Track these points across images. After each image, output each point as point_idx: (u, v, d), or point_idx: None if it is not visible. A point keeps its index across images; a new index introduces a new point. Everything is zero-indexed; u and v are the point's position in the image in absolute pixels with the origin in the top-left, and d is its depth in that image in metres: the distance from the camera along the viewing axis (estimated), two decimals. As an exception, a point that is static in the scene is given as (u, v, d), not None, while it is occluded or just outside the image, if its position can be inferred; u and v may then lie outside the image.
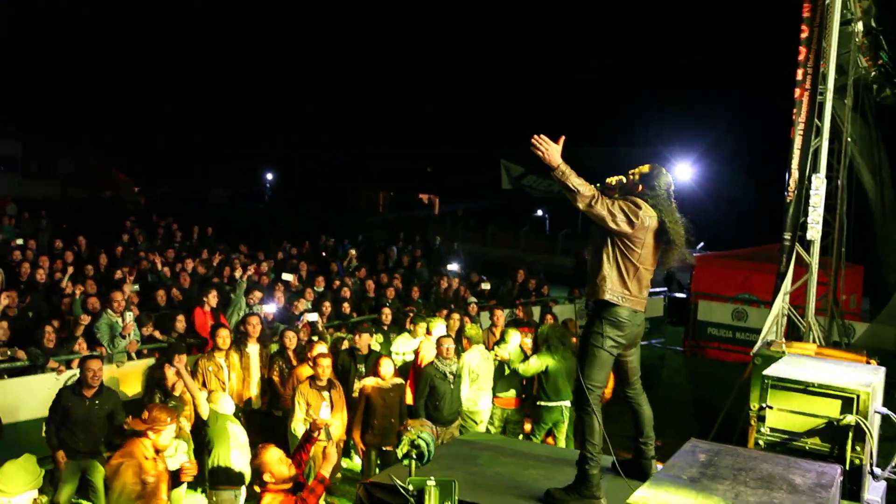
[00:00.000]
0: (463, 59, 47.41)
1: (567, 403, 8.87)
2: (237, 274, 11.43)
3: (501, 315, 10.42)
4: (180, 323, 9.75)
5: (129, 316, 9.34)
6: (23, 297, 10.11)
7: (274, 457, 5.07)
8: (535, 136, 4.58)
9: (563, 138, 4.65)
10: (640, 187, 4.96)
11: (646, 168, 5.02)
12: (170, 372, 7.68)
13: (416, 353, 9.31)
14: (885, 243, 10.80)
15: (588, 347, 4.94)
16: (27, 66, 45.96)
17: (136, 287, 11.26)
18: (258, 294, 10.88)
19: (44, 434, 7.34)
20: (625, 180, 5.10)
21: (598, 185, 5.00)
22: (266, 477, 5.01)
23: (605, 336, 4.87)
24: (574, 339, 9.38)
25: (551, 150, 4.57)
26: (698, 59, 36.66)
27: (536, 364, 8.75)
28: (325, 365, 7.85)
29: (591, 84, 41.37)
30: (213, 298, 10.53)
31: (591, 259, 5.01)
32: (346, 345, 9.55)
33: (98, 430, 7.26)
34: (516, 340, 9.16)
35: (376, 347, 9.70)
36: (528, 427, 9.20)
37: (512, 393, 9.12)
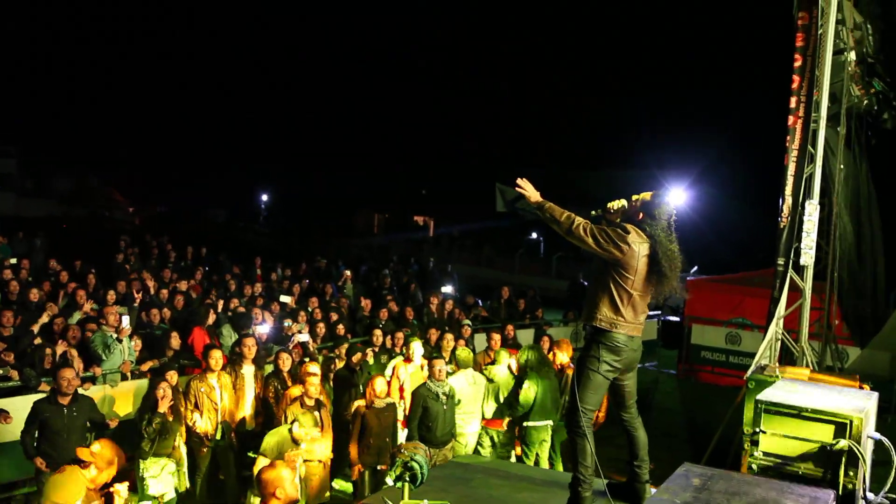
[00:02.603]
0: (459, 80, 47.73)
1: (551, 423, 8.89)
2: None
3: (498, 337, 10.41)
4: (175, 340, 9.75)
5: (126, 320, 9.39)
6: (16, 317, 10.08)
7: (287, 476, 5.00)
8: (518, 180, 5.03)
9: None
10: (641, 215, 5.00)
11: (648, 195, 5.05)
12: (159, 391, 7.65)
13: (393, 371, 9.39)
14: (856, 274, 10.85)
15: (584, 371, 4.97)
16: (23, 85, 46.07)
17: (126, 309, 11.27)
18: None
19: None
20: (627, 206, 5.15)
21: (600, 210, 5.12)
22: (278, 493, 4.92)
23: (602, 360, 4.91)
24: (557, 358, 9.41)
25: (532, 191, 4.98)
26: (694, 83, 36.98)
27: (532, 390, 8.76)
28: (315, 384, 7.86)
29: (588, 106, 41.60)
30: (212, 318, 10.53)
31: (589, 285, 5.12)
32: (339, 363, 9.59)
33: (78, 438, 7.31)
34: (506, 363, 9.18)
35: (371, 360, 9.75)
36: (518, 450, 9.19)
37: (500, 414, 9.10)
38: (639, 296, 4.93)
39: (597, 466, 4.99)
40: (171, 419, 7.70)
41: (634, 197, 5.11)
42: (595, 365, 4.92)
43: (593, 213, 5.15)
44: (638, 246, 4.85)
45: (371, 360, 9.94)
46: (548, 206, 4.89)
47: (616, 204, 5.19)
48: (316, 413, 7.81)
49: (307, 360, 9.62)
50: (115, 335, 9.27)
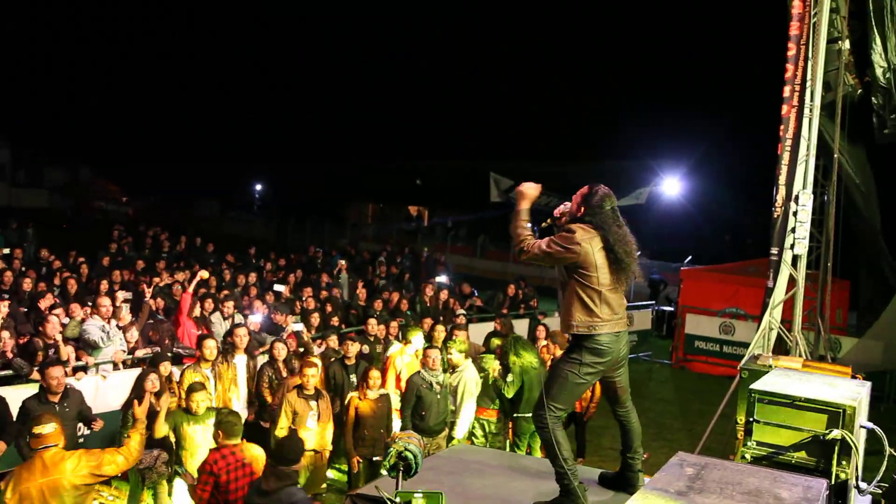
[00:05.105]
0: (453, 71, 47.56)
1: None
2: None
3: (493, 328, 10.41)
4: (166, 332, 9.72)
5: (126, 308, 9.37)
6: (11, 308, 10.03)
7: None
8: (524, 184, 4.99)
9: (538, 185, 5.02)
10: (582, 209, 4.91)
11: (585, 189, 4.98)
12: (148, 382, 7.59)
13: (386, 360, 9.42)
14: (871, 259, 10.93)
15: (561, 371, 4.93)
16: (15, 75, 45.74)
17: (129, 295, 11.24)
18: (230, 304, 10.85)
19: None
20: (569, 207, 5.13)
21: (549, 219, 5.18)
22: None
23: (583, 363, 4.83)
24: (551, 350, 9.42)
25: (526, 196, 4.95)
26: (688, 72, 36.91)
27: (516, 383, 8.76)
28: (311, 374, 7.85)
29: (581, 95, 41.44)
30: (207, 308, 10.54)
31: (560, 297, 5.05)
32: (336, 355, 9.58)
33: (71, 432, 7.18)
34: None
35: (366, 349, 9.74)
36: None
37: (492, 405, 9.11)
38: (608, 290, 4.81)
39: (572, 454, 5.01)
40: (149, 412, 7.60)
41: (573, 196, 5.07)
42: (576, 368, 4.85)
43: (544, 224, 5.18)
44: (589, 242, 4.77)
45: (367, 351, 9.94)
46: (517, 219, 4.92)
47: (561, 208, 5.18)
48: (314, 402, 7.80)
49: (301, 350, 9.60)
50: (114, 324, 9.24)
